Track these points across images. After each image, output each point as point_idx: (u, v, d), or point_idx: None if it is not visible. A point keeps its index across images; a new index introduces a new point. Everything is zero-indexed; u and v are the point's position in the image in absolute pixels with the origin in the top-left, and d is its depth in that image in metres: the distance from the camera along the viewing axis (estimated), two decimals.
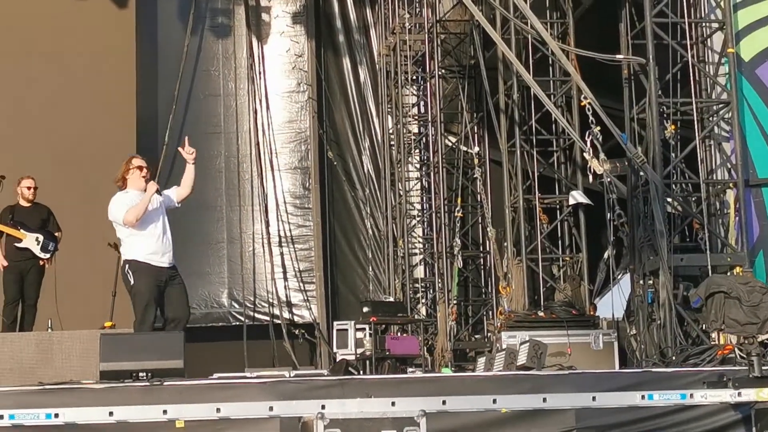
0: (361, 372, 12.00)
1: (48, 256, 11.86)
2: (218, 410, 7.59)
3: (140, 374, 8.90)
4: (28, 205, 11.98)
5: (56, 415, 7.44)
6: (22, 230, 11.71)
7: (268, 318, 14.82)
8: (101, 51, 15.19)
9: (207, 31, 15.43)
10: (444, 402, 7.82)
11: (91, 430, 8.13)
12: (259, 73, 15.42)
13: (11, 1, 15.33)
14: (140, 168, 9.77)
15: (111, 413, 7.46)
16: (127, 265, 9.60)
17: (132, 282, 9.60)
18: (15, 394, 8.44)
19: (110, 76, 15.09)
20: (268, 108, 15.39)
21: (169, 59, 15.36)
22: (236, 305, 14.87)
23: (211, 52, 15.44)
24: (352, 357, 12.53)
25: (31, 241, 11.78)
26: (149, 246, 9.65)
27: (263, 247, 15.05)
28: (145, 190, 9.60)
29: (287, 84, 15.59)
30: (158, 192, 9.72)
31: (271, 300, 14.89)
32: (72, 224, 13.95)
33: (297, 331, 14.77)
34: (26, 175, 12.06)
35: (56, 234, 12.07)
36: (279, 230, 15.15)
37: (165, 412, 7.53)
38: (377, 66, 16.00)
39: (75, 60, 15.26)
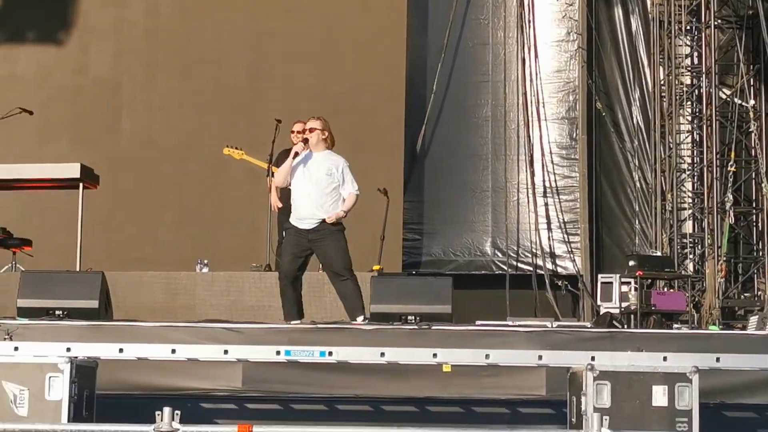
0: (625, 326, 11.86)
1: None
2: (487, 356, 7.60)
3: (409, 317, 9.05)
4: None
5: (330, 353, 7.61)
6: None
7: (530, 268, 14.77)
8: (371, 2, 15.39)
9: None
10: (718, 359, 7.61)
11: (362, 369, 8.32)
12: (529, 22, 15.28)
13: None
14: (294, 132, 10.58)
15: (383, 354, 7.57)
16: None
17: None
18: (290, 332, 8.71)
19: (380, 26, 15.27)
20: (536, 57, 15.25)
21: (438, 8, 15.40)
22: (499, 254, 14.87)
23: (481, 1, 15.40)
24: (617, 310, 12.39)
25: None
26: (293, 208, 9.88)
27: (528, 197, 14.98)
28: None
29: (556, 33, 15.40)
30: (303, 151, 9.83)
31: (534, 250, 14.83)
32: None
33: (560, 283, 14.66)
34: (298, 120, 12.36)
35: None
36: (544, 180, 15.04)
37: (435, 355, 7.60)
38: (650, 15, 15.61)
39: (344, 12, 15.50)
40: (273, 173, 11.80)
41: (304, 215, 9.74)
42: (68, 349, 7.52)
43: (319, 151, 9.87)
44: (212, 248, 14.06)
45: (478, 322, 9.82)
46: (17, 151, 14.66)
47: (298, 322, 9.41)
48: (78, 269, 11.22)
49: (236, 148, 12.51)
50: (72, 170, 11.63)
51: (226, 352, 7.69)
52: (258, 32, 15.65)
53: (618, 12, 15.48)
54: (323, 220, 9.68)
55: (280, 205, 12.04)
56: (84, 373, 7.62)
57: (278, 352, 7.65)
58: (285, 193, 11.66)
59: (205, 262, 11.69)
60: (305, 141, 9.89)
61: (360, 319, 9.42)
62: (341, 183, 9.79)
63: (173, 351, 7.63)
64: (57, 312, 9.10)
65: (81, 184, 11.60)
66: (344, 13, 15.48)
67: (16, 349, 7.54)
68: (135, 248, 14.71)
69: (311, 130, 9.91)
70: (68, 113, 15.68)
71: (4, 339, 7.76)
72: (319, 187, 9.75)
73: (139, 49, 15.82)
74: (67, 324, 8.81)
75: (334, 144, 10.05)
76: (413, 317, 9.01)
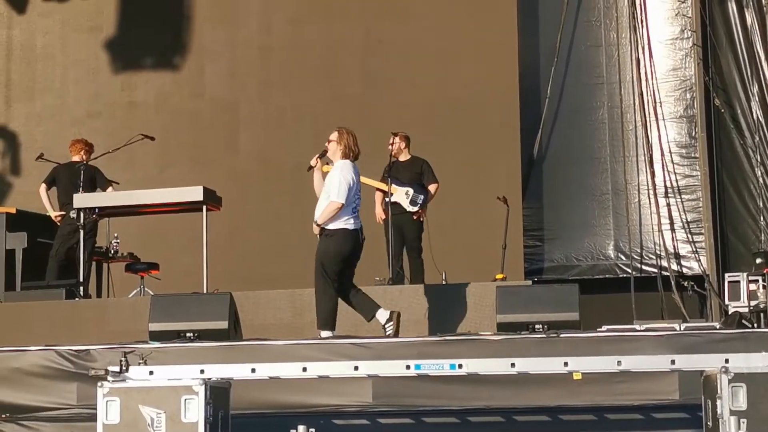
0: (755, 325, 11.64)
1: (416, 209, 12.13)
2: (619, 363, 7.53)
3: (536, 326, 9.01)
4: (404, 159, 12.34)
5: (460, 366, 7.60)
6: (393, 185, 12.03)
7: (655, 270, 14.57)
8: (481, 6, 15.37)
9: None
10: None
11: (493, 380, 8.30)
12: (641, 21, 15.12)
13: None
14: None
15: (513, 364, 7.54)
16: None
17: None
18: (418, 345, 8.73)
19: (491, 32, 15.24)
20: (651, 56, 15.07)
21: (549, 12, 15.32)
22: (623, 257, 14.71)
23: (592, 2, 15.28)
24: (746, 310, 12.17)
25: (400, 194, 12.10)
26: None
27: (649, 198, 14.80)
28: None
29: (670, 31, 15.21)
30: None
31: (658, 251, 14.65)
32: (459, 177, 14.28)
33: (686, 283, 14.44)
34: (396, 131, 12.46)
35: (430, 187, 12.30)
36: (665, 180, 14.84)
37: (566, 364, 7.55)
38: (764, 9, 15.33)
39: (455, 19, 15.52)
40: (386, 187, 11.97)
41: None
42: (202, 371, 7.64)
43: (335, 162, 10.14)
44: None
45: (605, 327, 9.72)
46: (139, 176, 14.96)
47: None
48: (205, 291, 11.38)
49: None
50: (195, 193, 11.80)
51: (356, 368, 7.73)
52: (370, 42, 15.74)
53: (732, 7, 15.22)
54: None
55: (384, 216, 12.16)
56: (218, 394, 7.73)
57: (408, 367, 7.67)
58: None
59: None
60: (323, 154, 10.22)
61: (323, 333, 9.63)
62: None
63: (304, 369, 7.70)
64: (188, 334, 9.25)
65: (204, 207, 11.76)
66: (455, 20, 15.49)
67: (151, 373, 7.68)
68: (259, 267, 14.87)
69: (329, 141, 10.22)
70: (187, 136, 15.94)
71: (139, 363, 7.90)
72: (321, 197, 10.11)
73: (253, 67, 16.02)
74: (199, 345, 8.95)
75: (354, 155, 10.26)
76: (541, 326, 8.98)
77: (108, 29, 16.36)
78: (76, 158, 12.73)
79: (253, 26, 16.11)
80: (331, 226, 9.93)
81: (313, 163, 10.23)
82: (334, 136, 10.23)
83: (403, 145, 12.42)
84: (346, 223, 9.98)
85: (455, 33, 15.47)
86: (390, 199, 12.03)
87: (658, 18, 15.20)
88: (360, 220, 10.19)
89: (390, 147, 12.36)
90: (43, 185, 12.74)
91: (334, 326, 9.76)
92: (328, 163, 10.39)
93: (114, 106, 16.24)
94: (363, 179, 12.33)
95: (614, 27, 15.22)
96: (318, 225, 9.97)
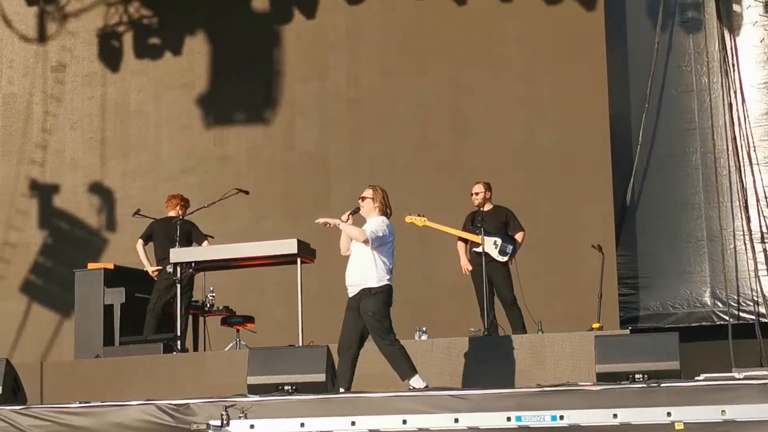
0: None
1: (506, 259, 12.11)
2: (723, 412, 7.42)
3: (636, 376, 8.90)
4: (488, 209, 12.34)
5: (561, 417, 7.54)
6: (480, 235, 12.02)
7: (753, 316, 14.35)
8: (570, 52, 15.38)
9: (677, 26, 15.18)
10: None
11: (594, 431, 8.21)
12: (733, 66, 14.99)
13: (480, 14, 15.85)
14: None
15: (615, 415, 7.46)
16: None
17: None
18: (517, 396, 8.66)
19: (581, 78, 15.24)
20: (743, 101, 14.91)
21: (639, 57, 15.23)
22: (719, 304, 14.50)
23: (681, 48, 15.18)
24: None
25: (489, 244, 12.07)
26: None
27: (744, 243, 14.58)
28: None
29: (762, 75, 15.04)
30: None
31: (755, 298, 14.42)
32: (551, 225, 14.23)
33: None
34: (478, 180, 12.49)
35: (517, 236, 12.29)
36: (760, 226, 14.63)
37: (669, 414, 7.45)
38: None
39: (544, 65, 15.54)
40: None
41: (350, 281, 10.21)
42: (302, 425, 7.68)
43: (370, 219, 10.22)
44: (426, 314, 14.14)
45: (703, 375, 9.57)
46: (233, 229, 15.09)
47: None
48: (301, 343, 11.43)
49: (419, 215, 12.61)
50: (290, 246, 11.88)
51: (456, 420, 7.71)
52: (458, 90, 15.81)
53: None
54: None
55: (470, 267, 12.15)
56: None
57: (509, 418, 7.64)
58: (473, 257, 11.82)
59: (424, 329, 11.78)
60: (355, 211, 10.34)
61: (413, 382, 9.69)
62: None
63: (404, 422, 7.69)
64: (286, 387, 9.27)
65: (299, 259, 11.84)
66: (544, 67, 15.53)
67: (252, 427, 7.72)
68: None
69: (363, 198, 10.35)
70: (279, 189, 16.08)
71: (239, 417, 7.94)
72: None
73: (343, 119, 16.15)
74: (298, 399, 8.96)
75: (389, 212, 10.36)
76: (641, 375, 8.86)
77: (200, 85, 16.60)
78: (172, 213, 12.91)
79: (342, 79, 16.26)
80: (376, 285, 10.04)
81: (344, 218, 10.32)
82: (368, 193, 10.37)
83: (488, 194, 12.44)
84: (389, 280, 10.14)
85: (544, 80, 15.51)
86: (481, 250, 12.02)
87: (749, 62, 15.05)
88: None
89: (475, 196, 12.38)
90: (140, 241, 12.92)
91: (416, 368, 9.85)
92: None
93: (207, 160, 16.46)
94: (451, 230, 12.38)
95: (705, 72, 15.09)
96: (337, 227, 10.24)
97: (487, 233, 12.11)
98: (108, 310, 12.80)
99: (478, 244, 12.10)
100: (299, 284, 11.79)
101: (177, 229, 12.52)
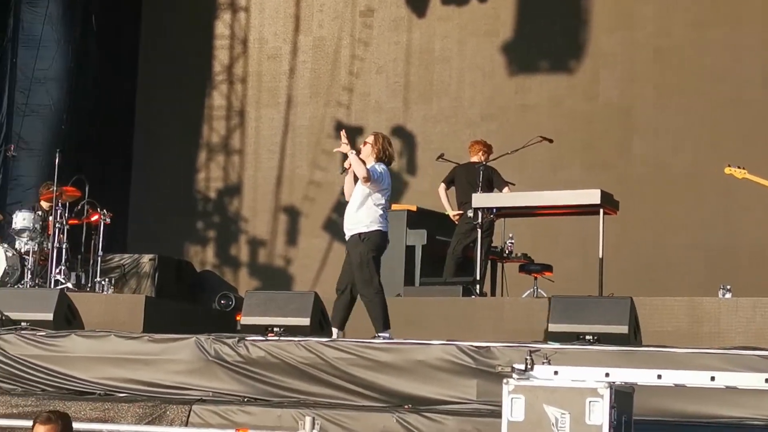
0: None
1: None
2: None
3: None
4: None
5: None
6: None
7: None
8: None
9: None
10: None
11: None
12: None
13: None
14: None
15: None
16: None
17: None
18: None
19: None
20: None
21: None
22: None
23: None
24: None
25: None
26: None
27: None
28: None
29: None
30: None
31: None
32: None
33: None
34: None
35: None
36: None
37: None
38: None
39: None
40: None
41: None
42: (607, 374, 7.58)
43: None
44: (729, 272, 13.76)
45: None
46: (531, 178, 15.07)
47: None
48: (601, 294, 11.35)
49: (738, 167, 12.22)
50: (592, 196, 11.77)
51: (766, 380, 7.45)
52: None
53: None
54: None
55: None
56: (622, 398, 7.65)
57: None
58: None
59: (728, 287, 11.46)
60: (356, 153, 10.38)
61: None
62: None
63: (712, 378, 7.50)
64: (588, 337, 9.24)
65: (601, 210, 11.72)
66: None
67: (555, 373, 7.70)
68: (649, 272, 14.70)
69: (364, 143, 10.47)
70: (579, 140, 15.94)
71: (543, 363, 7.94)
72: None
73: (649, 71, 15.81)
74: (600, 349, 8.92)
75: (386, 160, 10.41)
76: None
77: (504, 33, 16.59)
78: (474, 159, 13.00)
79: (650, 30, 15.91)
80: (365, 230, 10.16)
81: (346, 165, 10.41)
82: (370, 138, 10.47)
83: None
84: (380, 226, 10.22)
85: None
86: None
87: None
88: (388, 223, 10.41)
89: None
90: (443, 185, 13.08)
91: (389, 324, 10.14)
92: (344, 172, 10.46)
93: (507, 108, 16.47)
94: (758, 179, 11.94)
95: None
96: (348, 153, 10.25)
97: None
98: (410, 251, 13.05)
99: None
100: (601, 235, 11.69)
101: (479, 175, 12.60)
